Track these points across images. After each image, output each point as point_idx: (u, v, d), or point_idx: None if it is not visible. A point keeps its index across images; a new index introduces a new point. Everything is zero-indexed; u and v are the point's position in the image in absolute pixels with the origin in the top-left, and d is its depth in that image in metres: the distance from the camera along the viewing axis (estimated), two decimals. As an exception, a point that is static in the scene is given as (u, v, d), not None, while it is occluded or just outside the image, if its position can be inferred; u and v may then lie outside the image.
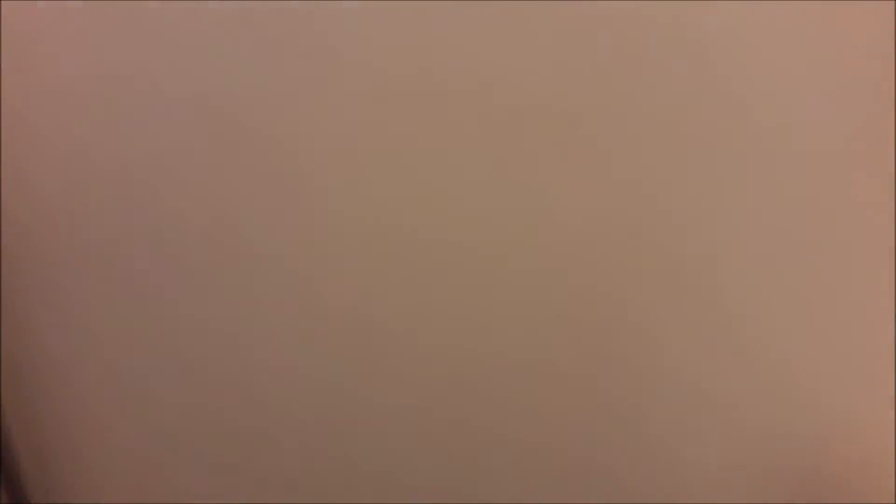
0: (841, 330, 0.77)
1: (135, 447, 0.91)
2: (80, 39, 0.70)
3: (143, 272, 0.80)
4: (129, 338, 0.84)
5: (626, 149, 0.71)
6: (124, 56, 0.71)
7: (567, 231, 0.74)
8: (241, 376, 0.86)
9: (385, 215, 0.75)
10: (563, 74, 0.69)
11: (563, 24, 0.68)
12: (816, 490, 0.85)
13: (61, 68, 0.70)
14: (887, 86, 0.66)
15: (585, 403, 0.82)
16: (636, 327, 0.78)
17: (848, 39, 0.66)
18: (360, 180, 0.74)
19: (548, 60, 0.69)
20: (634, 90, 0.70)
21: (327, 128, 0.72)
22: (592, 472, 0.86)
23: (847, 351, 0.77)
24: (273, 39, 0.69)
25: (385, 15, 0.68)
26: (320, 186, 0.74)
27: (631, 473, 0.86)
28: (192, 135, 0.73)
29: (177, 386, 0.87)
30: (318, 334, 0.82)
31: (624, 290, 0.76)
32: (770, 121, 0.72)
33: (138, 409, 0.88)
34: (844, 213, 0.72)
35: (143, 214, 0.78)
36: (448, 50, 0.68)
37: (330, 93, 0.70)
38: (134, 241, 0.78)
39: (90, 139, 0.74)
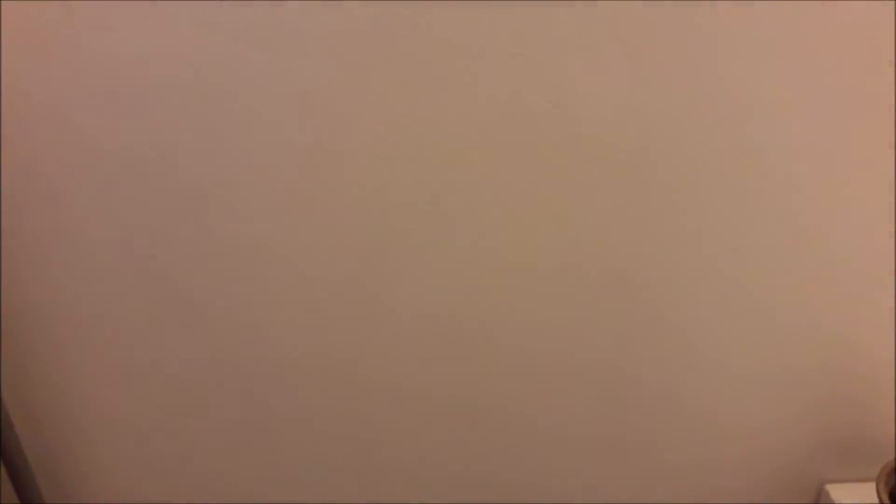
0: (874, 234, 0.78)
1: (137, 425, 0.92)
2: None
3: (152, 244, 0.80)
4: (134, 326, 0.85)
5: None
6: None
7: (591, 125, 0.73)
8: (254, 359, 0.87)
9: (394, 131, 0.74)
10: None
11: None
12: (851, 389, 0.88)
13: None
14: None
15: (616, 308, 0.83)
16: (673, 231, 0.78)
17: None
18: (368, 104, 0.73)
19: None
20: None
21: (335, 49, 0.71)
22: (627, 374, 0.88)
23: (880, 254, 0.79)
24: None
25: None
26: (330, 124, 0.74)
27: (663, 376, 0.87)
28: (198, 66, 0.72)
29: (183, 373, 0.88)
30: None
31: (659, 197, 0.77)
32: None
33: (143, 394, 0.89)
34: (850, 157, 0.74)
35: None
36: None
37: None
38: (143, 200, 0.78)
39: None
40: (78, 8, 0.68)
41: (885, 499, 0.79)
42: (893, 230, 0.78)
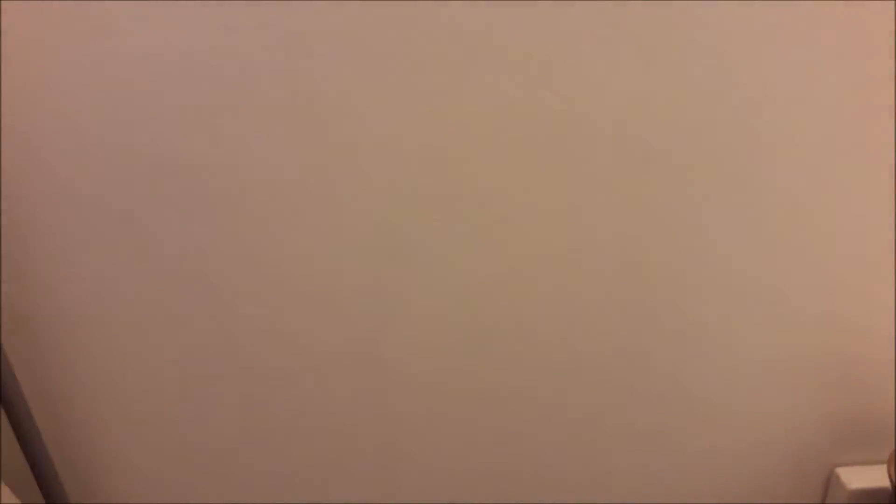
0: (880, 225, 0.80)
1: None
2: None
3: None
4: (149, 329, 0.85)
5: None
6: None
7: (603, 120, 0.74)
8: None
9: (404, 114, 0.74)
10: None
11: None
12: (861, 374, 0.90)
13: None
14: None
15: (629, 299, 0.84)
16: (684, 224, 0.80)
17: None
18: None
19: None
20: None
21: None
22: (641, 363, 0.89)
23: (888, 244, 0.81)
24: None
25: None
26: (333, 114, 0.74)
27: (676, 365, 0.89)
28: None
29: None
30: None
31: (670, 190, 0.78)
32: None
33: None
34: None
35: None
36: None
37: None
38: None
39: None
40: (88, 8, 0.68)
41: (896, 481, 0.81)
42: (895, 222, 0.80)
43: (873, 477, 0.93)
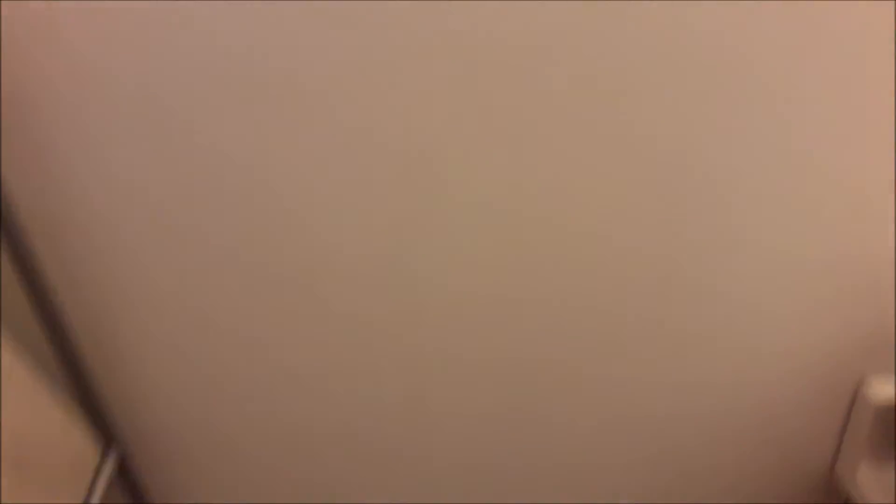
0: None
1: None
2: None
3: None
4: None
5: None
6: None
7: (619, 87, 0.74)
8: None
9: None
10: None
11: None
12: (890, 287, 0.91)
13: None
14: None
15: (652, 259, 0.86)
16: (711, 181, 0.80)
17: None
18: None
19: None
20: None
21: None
22: (656, 319, 0.91)
23: None
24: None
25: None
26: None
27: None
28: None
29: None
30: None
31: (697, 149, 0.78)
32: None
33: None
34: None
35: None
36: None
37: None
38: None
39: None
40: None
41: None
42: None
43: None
